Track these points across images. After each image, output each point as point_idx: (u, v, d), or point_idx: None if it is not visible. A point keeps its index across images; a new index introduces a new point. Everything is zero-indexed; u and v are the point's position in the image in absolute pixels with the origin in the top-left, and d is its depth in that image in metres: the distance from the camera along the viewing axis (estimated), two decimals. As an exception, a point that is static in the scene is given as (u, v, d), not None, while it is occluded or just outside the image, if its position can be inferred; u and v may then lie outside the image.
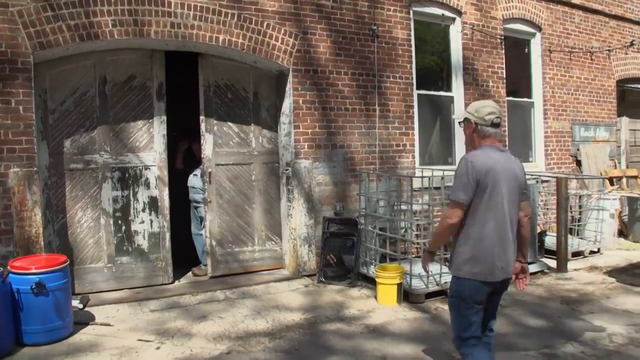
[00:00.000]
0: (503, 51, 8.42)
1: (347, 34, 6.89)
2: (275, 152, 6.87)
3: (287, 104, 6.64)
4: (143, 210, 6.09)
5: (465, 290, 3.19)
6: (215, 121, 6.49)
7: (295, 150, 6.56)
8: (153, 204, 6.12)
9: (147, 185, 6.10)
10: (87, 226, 5.83)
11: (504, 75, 8.44)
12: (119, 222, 5.98)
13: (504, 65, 8.44)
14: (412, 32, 7.48)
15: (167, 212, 6.15)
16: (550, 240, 7.58)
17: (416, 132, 7.51)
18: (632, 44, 10.14)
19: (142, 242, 6.09)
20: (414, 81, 7.49)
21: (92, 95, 5.83)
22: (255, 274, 6.65)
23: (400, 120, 7.30)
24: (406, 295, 5.69)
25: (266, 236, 6.85)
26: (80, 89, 5.78)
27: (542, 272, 6.87)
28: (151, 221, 6.12)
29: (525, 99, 9.16)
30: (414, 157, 7.45)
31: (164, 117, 6.14)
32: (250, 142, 6.77)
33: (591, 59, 9.71)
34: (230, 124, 6.61)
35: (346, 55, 6.88)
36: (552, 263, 7.10)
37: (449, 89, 8.12)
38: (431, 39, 8.23)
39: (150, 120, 6.09)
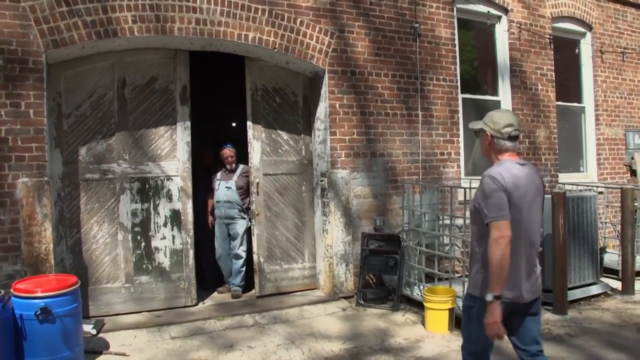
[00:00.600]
0: (552, 52, 7.76)
1: (387, 32, 6.31)
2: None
3: (322, 108, 6.06)
4: (164, 225, 5.55)
5: (481, 309, 2.78)
6: (262, 128, 5.99)
7: (332, 159, 5.96)
8: (175, 218, 5.57)
9: (169, 197, 5.56)
10: (103, 242, 5.31)
11: (554, 78, 7.77)
12: (138, 237, 5.45)
13: (553, 67, 7.77)
14: (456, 31, 6.89)
15: (190, 227, 5.61)
16: (609, 258, 6.88)
17: (461, 139, 6.86)
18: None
19: (164, 260, 5.54)
20: (459, 84, 6.86)
21: (110, 99, 5.35)
22: (286, 295, 6.04)
23: (445, 127, 6.67)
24: (457, 321, 5.02)
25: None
26: (98, 91, 5.31)
27: (605, 294, 6.13)
28: (173, 237, 5.57)
29: (575, 104, 8.47)
30: (459, 166, 6.80)
31: (188, 123, 5.61)
32: (300, 150, 6.25)
33: (645, 61, 8.97)
34: (279, 130, 6.11)
35: (386, 56, 6.29)
36: (614, 283, 6.35)
37: (495, 93, 7.46)
38: (476, 38, 7.61)
39: (173, 126, 5.57)
